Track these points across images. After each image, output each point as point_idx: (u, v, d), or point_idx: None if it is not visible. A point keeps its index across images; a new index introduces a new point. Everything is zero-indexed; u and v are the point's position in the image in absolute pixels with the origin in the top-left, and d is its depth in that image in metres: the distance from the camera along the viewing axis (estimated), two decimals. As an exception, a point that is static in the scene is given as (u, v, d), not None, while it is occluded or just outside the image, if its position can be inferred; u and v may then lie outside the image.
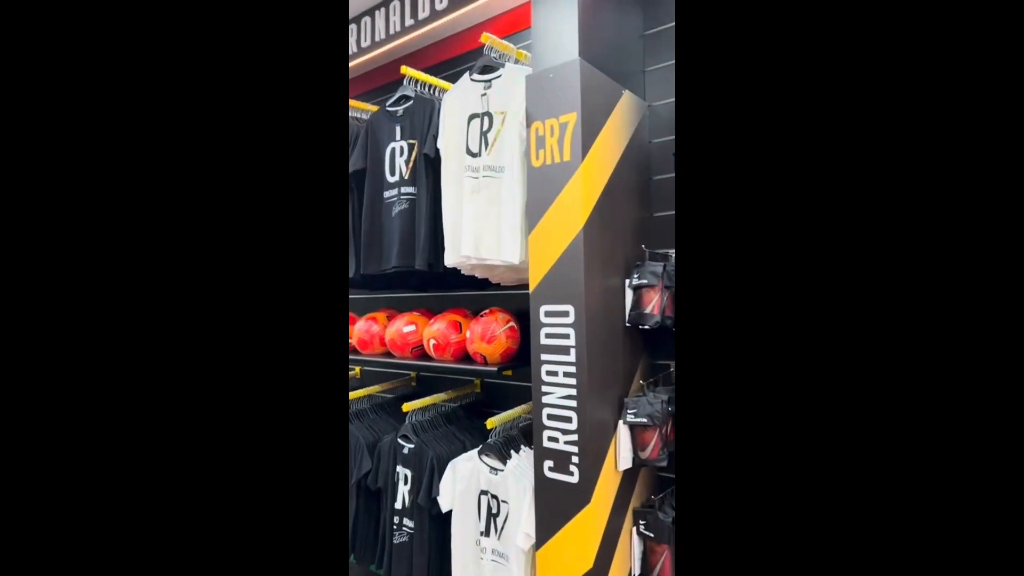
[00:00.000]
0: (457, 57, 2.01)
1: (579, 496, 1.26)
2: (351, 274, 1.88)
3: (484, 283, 1.74)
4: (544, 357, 1.32)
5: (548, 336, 1.31)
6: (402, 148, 1.74)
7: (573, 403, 1.27)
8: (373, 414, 2.02)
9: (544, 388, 1.32)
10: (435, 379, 2.15)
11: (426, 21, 1.91)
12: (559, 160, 1.29)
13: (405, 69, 1.74)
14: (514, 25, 1.84)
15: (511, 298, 1.91)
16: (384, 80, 2.25)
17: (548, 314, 1.31)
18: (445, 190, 1.59)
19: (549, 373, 1.31)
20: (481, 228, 1.49)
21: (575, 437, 1.27)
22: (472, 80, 1.56)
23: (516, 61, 1.60)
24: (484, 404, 2.00)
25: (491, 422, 1.57)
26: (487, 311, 1.76)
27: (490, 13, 1.87)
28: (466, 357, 1.78)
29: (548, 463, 1.32)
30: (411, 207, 1.71)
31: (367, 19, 2.12)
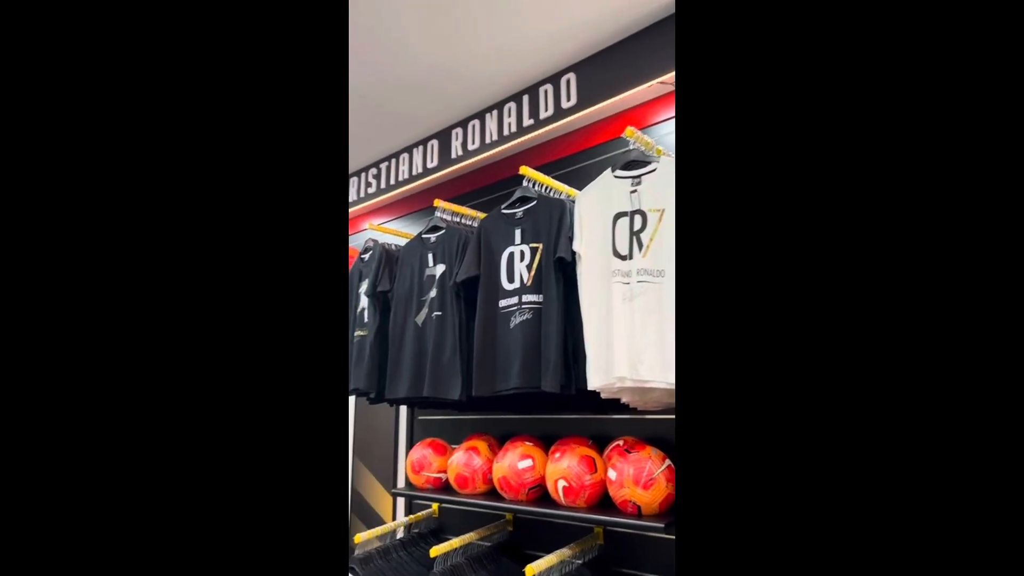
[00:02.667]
0: (569, 157, 1.89)
1: None
2: (456, 396, 1.61)
3: (596, 402, 1.45)
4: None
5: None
6: (523, 252, 1.55)
7: None
8: (473, 572, 1.62)
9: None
10: (534, 522, 1.77)
11: (548, 121, 1.81)
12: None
13: (525, 170, 1.60)
14: (636, 122, 1.73)
15: (642, 424, 1.59)
16: (482, 183, 2.14)
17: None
18: (586, 298, 1.37)
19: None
20: (639, 343, 1.23)
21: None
22: (616, 176, 1.39)
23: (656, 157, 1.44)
24: (614, 561, 1.60)
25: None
26: (619, 443, 1.44)
27: (611, 111, 1.76)
28: (602, 503, 1.43)
29: None
30: (535, 317, 1.48)
31: (475, 122, 2.05)
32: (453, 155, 2.10)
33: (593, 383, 1.31)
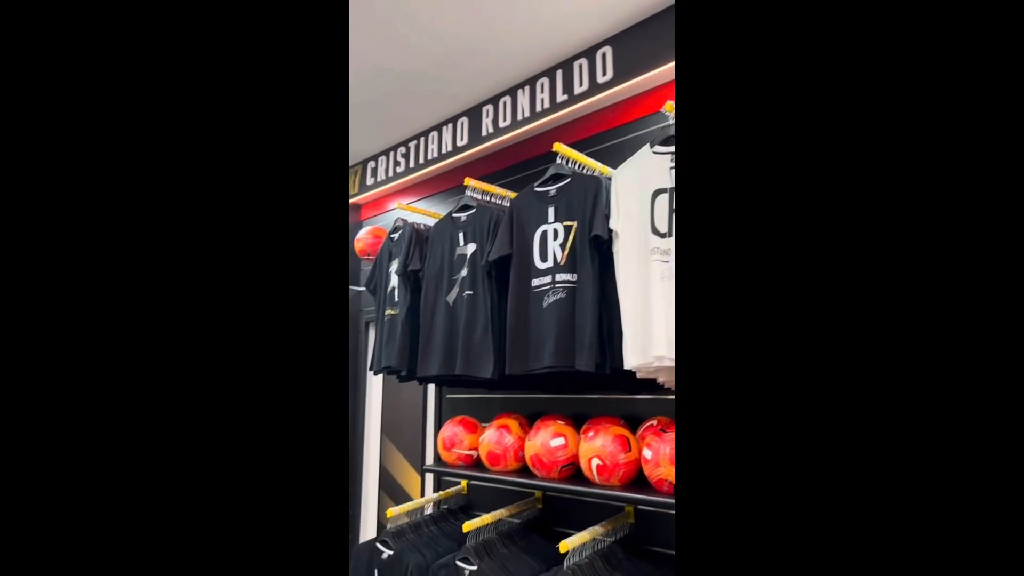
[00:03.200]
0: (603, 133, 1.85)
1: None
2: (488, 374, 1.61)
3: (626, 382, 1.44)
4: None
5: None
6: (556, 231, 1.53)
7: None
8: (504, 548, 1.65)
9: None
10: (563, 501, 1.78)
11: (583, 96, 1.77)
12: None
13: (558, 146, 1.58)
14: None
15: (670, 404, 1.57)
16: (513, 161, 2.12)
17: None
18: (623, 276, 1.35)
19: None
20: (679, 322, 1.21)
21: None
22: (655, 152, 1.36)
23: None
24: (645, 539, 1.60)
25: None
26: (653, 423, 1.43)
27: (648, 86, 1.72)
28: (635, 481, 1.43)
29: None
30: (569, 297, 1.46)
31: (507, 98, 2.02)
32: (484, 132, 2.08)
33: (630, 362, 1.30)
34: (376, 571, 1.77)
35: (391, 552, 1.75)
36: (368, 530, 2.66)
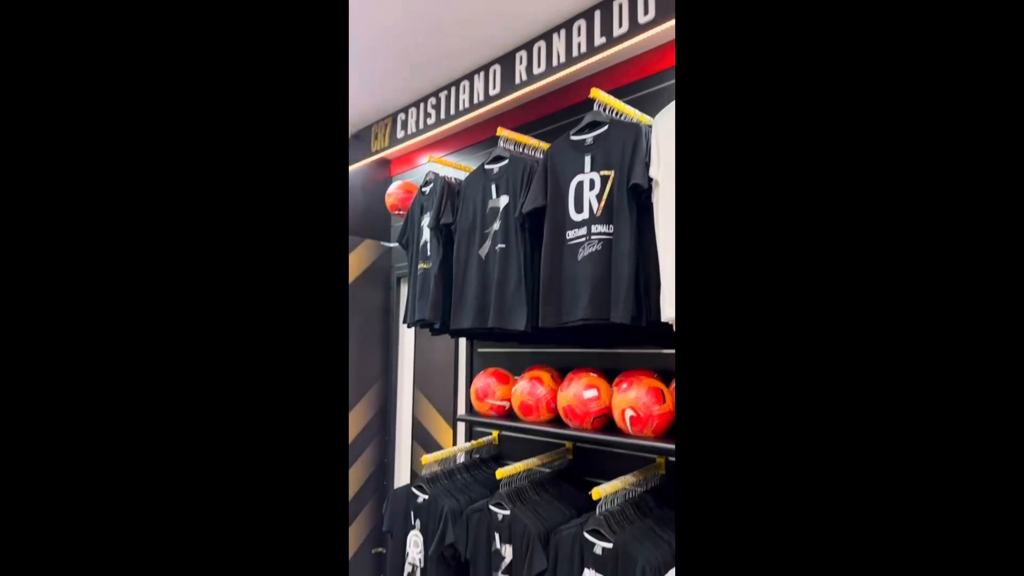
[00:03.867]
0: (643, 80, 1.77)
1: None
2: (521, 327, 1.61)
3: (658, 336, 1.42)
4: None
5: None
6: (592, 181, 1.49)
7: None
8: (536, 495, 1.69)
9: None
10: (593, 452, 1.81)
11: (622, 38, 1.69)
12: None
13: (596, 92, 1.51)
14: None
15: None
16: (548, 111, 2.06)
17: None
18: (664, 226, 1.31)
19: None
20: (720, 273, 1.18)
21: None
22: (700, 96, 1.29)
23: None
24: (673, 490, 1.62)
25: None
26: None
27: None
28: (668, 433, 1.44)
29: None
30: (605, 249, 1.44)
31: (541, 43, 1.94)
32: (517, 80, 2.01)
33: (667, 314, 1.28)
34: (412, 513, 1.85)
35: (426, 496, 1.81)
36: (402, 478, 2.76)
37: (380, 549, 2.71)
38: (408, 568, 1.82)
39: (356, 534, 2.67)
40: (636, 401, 1.40)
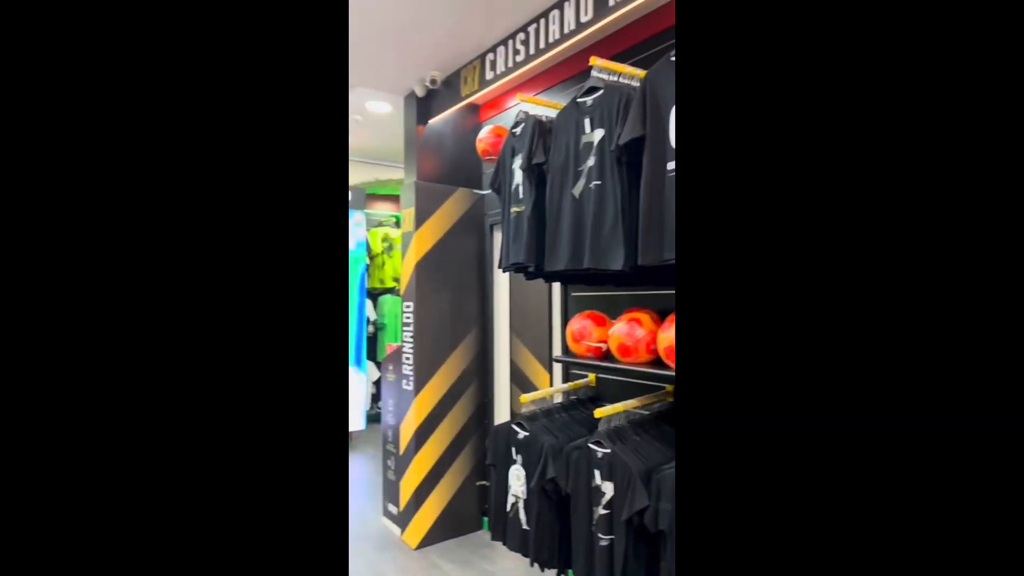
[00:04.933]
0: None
1: None
2: (619, 266, 1.56)
3: None
4: None
5: None
6: (697, 105, 1.36)
7: None
8: (636, 435, 1.68)
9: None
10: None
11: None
12: None
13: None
14: None
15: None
16: (645, 35, 1.90)
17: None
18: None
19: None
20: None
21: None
22: None
23: None
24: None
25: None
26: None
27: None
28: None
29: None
30: (711, 179, 1.32)
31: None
32: (611, 3, 1.87)
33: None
34: (513, 449, 1.92)
35: (527, 433, 1.87)
36: (502, 418, 2.88)
37: (484, 482, 2.89)
38: (512, 499, 1.92)
39: (461, 468, 2.86)
40: (745, 341, 1.32)
